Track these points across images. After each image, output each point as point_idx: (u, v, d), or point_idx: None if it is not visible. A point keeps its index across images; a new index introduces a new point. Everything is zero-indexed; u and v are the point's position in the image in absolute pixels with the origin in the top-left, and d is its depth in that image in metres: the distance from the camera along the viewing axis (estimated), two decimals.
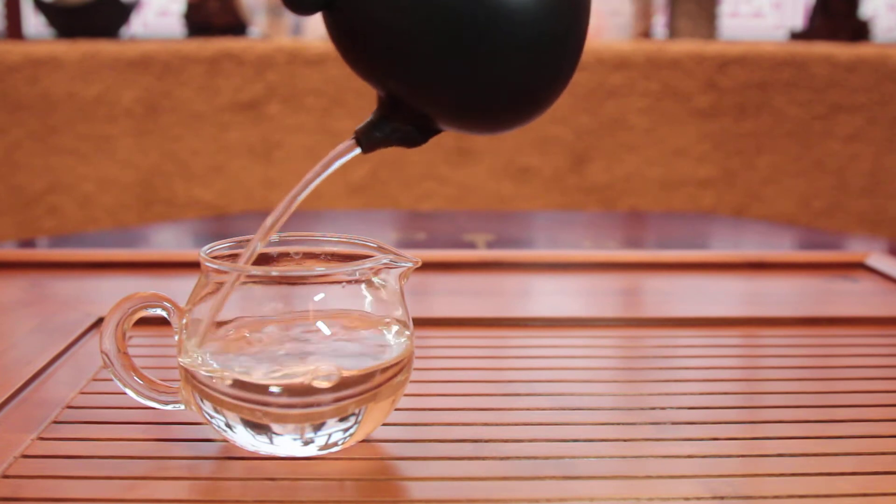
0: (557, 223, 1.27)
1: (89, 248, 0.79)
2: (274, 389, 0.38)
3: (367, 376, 0.39)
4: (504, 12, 0.35)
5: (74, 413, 0.45)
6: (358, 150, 0.40)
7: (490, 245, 0.93)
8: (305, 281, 0.40)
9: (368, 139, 0.39)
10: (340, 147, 0.40)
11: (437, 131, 0.39)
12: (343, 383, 0.38)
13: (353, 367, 0.39)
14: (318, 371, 0.38)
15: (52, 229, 1.69)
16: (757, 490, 0.37)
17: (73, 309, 0.62)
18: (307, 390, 0.38)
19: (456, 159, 1.69)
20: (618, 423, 0.45)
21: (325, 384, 0.38)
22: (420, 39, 0.35)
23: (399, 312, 0.41)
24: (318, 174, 0.40)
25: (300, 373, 0.38)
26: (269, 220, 0.40)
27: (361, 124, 0.39)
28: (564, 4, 0.36)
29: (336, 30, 0.38)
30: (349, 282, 0.40)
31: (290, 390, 0.38)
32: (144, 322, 0.45)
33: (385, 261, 0.40)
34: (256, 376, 0.38)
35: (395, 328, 0.41)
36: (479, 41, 0.35)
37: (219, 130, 1.69)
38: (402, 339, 0.41)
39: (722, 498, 0.37)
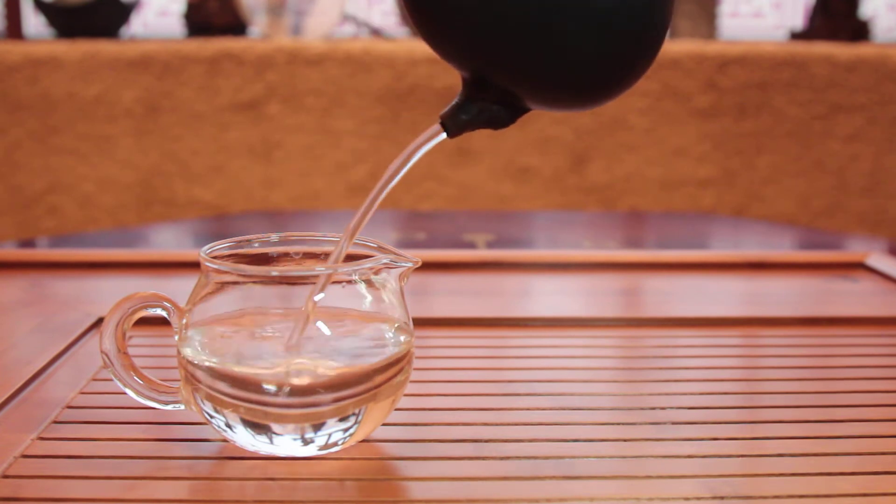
0: (557, 223, 1.27)
1: (89, 248, 0.79)
2: (271, 388, 0.38)
3: (365, 376, 0.39)
4: None
5: (74, 413, 0.45)
6: (443, 136, 0.38)
7: (490, 245, 0.93)
8: (305, 281, 0.40)
9: (455, 122, 0.38)
10: (425, 133, 0.39)
11: (525, 110, 0.38)
12: (343, 383, 0.38)
13: (342, 364, 0.39)
14: (291, 365, 0.38)
15: (52, 229, 1.69)
16: (757, 490, 0.37)
17: (73, 309, 0.62)
18: (305, 390, 0.38)
19: (456, 159, 1.69)
20: (618, 423, 0.45)
21: (302, 381, 0.38)
22: (504, 12, 0.35)
23: (399, 312, 0.41)
24: (405, 163, 0.39)
25: (277, 365, 0.38)
26: (355, 218, 0.39)
27: (446, 108, 0.38)
28: None
29: (417, 12, 0.37)
30: (349, 282, 0.40)
31: (289, 390, 0.38)
32: (144, 322, 0.44)
33: (385, 261, 0.40)
34: (233, 367, 0.38)
35: (394, 326, 0.41)
36: (564, 12, 0.34)
37: (219, 130, 1.69)
38: (401, 338, 0.41)
39: (722, 498, 0.37)
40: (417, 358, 0.43)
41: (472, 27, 0.36)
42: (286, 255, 0.43)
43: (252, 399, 0.38)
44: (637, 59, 0.37)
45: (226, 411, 0.39)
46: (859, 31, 1.94)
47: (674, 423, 0.44)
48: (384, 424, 0.42)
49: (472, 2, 0.35)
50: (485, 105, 0.38)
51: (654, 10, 0.36)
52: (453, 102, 0.38)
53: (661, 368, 0.54)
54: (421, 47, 1.69)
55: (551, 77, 0.36)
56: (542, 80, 0.37)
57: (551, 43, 0.35)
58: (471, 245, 0.92)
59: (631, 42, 0.36)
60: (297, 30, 1.90)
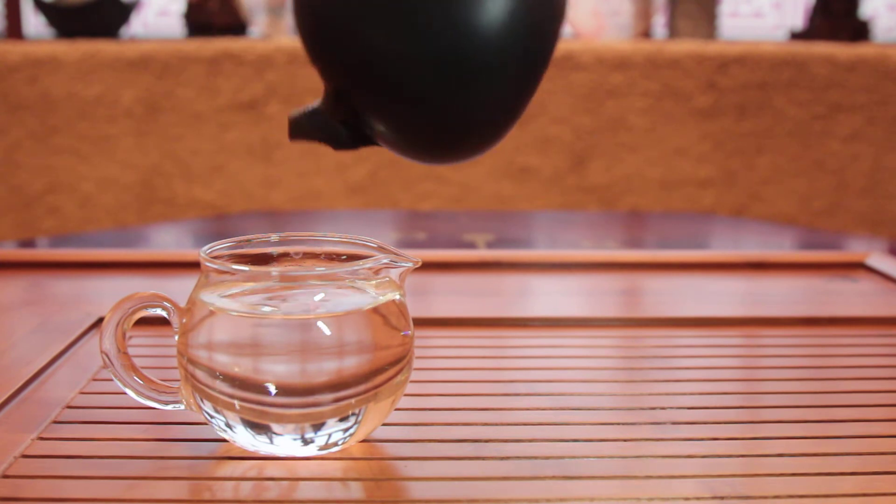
0: (557, 223, 1.27)
1: (89, 248, 0.79)
2: (271, 388, 0.38)
3: (365, 376, 0.39)
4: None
5: (74, 413, 0.45)
6: None
7: (490, 245, 0.93)
8: (305, 280, 0.40)
9: (297, 125, 0.38)
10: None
11: (370, 142, 0.38)
12: (343, 383, 0.38)
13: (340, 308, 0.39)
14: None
15: (52, 229, 1.69)
16: (757, 490, 0.37)
17: (73, 309, 0.62)
18: (306, 390, 0.38)
19: None
20: (618, 423, 0.45)
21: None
22: (373, 44, 0.34)
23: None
24: None
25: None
26: None
27: (297, 110, 0.38)
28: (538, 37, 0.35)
29: (300, 15, 0.36)
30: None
31: (289, 390, 0.38)
32: (144, 322, 0.44)
33: (385, 261, 0.40)
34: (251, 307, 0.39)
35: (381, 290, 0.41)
36: (436, 64, 0.33)
37: (219, 130, 1.69)
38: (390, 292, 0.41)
39: (722, 498, 0.37)
40: (417, 358, 0.43)
41: (342, 44, 0.35)
42: (286, 255, 0.43)
43: (252, 399, 0.38)
44: (491, 137, 0.36)
45: (226, 411, 0.39)
46: (859, 31, 1.94)
47: (674, 423, 0.44)
48: (384, 424, 0.42)
49: (352, 28, 0.34)
50: (333, 121, 0.37)
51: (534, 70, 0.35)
52: (307, 107, 0.38)
53: (661, 368, 0.54)
54: None
55: (402, 122, 0.36)
56: (394, 121, 0.36)
57: (412, 88, 0.34)
58: (471, 245, 0.92)
59: (497, 115, 0.35)
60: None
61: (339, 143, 0.37)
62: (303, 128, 0.38)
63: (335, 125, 0.37)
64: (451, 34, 0.33)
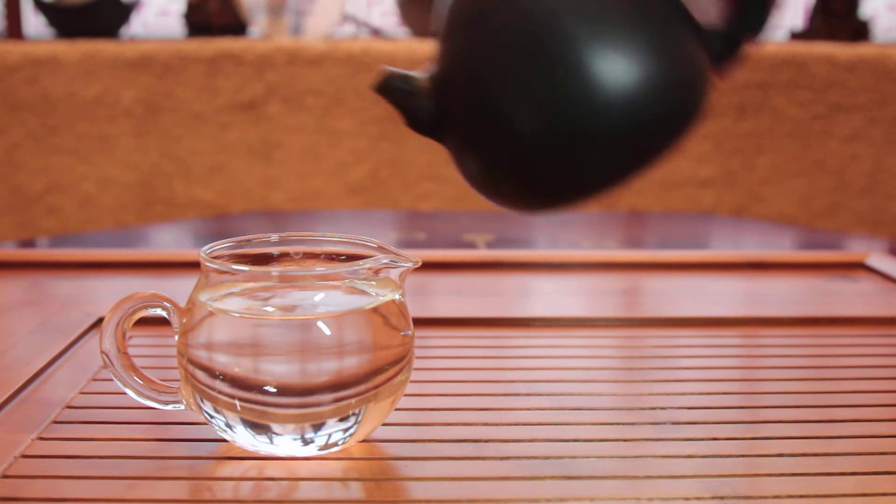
0: (557, 223, 1.27)
1: (89, 248, 0.79)
2: (271, 389, 0.38)
3: (365, 376, 0.39)
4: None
5: (74, 413, 0.45)
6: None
7: (490, 245, 0.93)
8: (305, 280, 0.40)
9: (386, 81, 0.36)
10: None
11: (439, 139, 0.37)
12: (343, 383, 0.38)
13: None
14: None
15: (52, 229, 1.69)
16: (757, 490, 0.38)
17: (73, 309, 0.62)
18: (306, 390, 0.38)
19: None
20: (618, 423, 0.45)
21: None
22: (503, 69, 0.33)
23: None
24: None
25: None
26: None
27: (394, 68, 0.37)
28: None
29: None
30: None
31: (288, 390, 0.38)
32: (144, 322, 0.44)
33: (385, 261, 0.40)
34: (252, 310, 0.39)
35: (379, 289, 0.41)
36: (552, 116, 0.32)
37: (219, 130, 1.69)
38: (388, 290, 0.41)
39: (722, 498, 0.37)
40: (417, 358, 0.43)
41: (468, 64, 0.34)
42: (286, 255, 0.43)
43: (252, 399, 0.38)
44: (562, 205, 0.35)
45: (226, 411, 0.39)
46: (859, 31, 1.94)
47: (674, 423, 0.44)
48: (384, 424, 0.42)
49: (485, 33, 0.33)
50: (422, 96, 0.36)
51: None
52: (412, 71, 0.36)
53: (661, 368, 0.54)
54: (421, 47, 1.69)
55: (494, 166, 0.35)
56: (485, 160, 0.35)
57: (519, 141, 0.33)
58: (471, 245, 0.92)
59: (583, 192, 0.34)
60: (297, 30, 1.90)
61: (413, 119, 0.36)
62: (391, 85, 0.36)
63: (423, 102, 0.36)
64: (573, 102, 0.32)
